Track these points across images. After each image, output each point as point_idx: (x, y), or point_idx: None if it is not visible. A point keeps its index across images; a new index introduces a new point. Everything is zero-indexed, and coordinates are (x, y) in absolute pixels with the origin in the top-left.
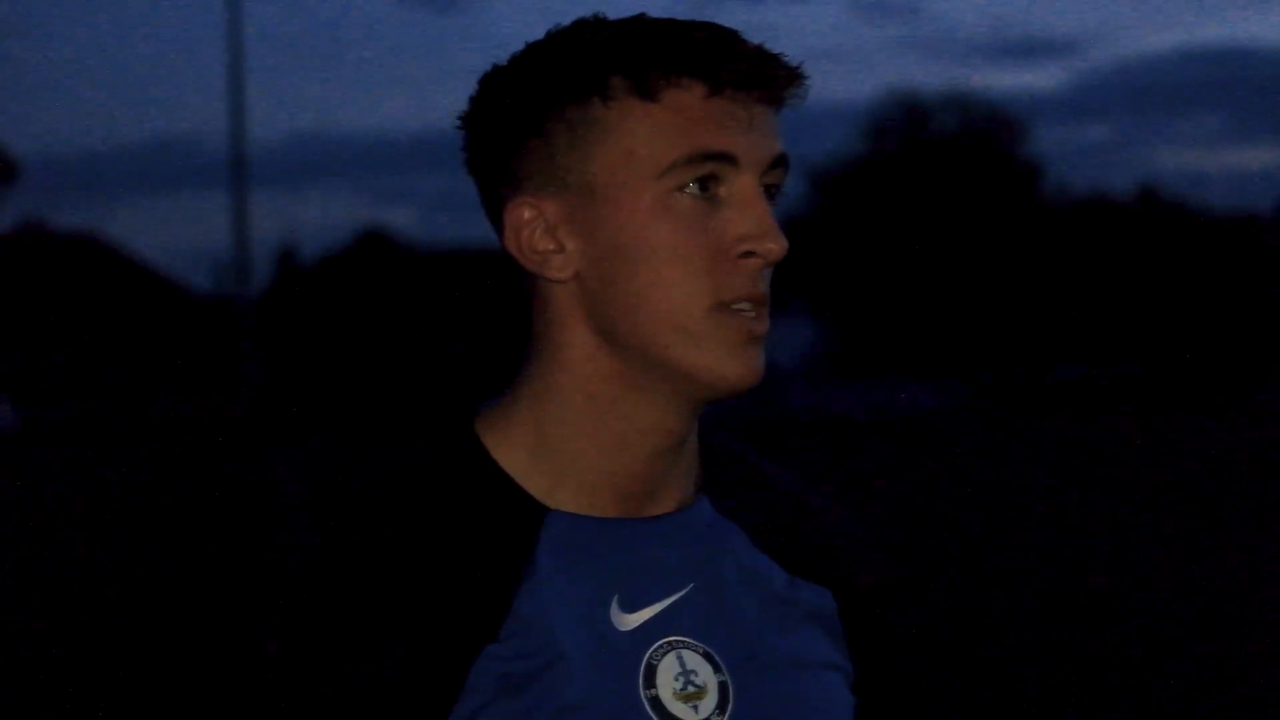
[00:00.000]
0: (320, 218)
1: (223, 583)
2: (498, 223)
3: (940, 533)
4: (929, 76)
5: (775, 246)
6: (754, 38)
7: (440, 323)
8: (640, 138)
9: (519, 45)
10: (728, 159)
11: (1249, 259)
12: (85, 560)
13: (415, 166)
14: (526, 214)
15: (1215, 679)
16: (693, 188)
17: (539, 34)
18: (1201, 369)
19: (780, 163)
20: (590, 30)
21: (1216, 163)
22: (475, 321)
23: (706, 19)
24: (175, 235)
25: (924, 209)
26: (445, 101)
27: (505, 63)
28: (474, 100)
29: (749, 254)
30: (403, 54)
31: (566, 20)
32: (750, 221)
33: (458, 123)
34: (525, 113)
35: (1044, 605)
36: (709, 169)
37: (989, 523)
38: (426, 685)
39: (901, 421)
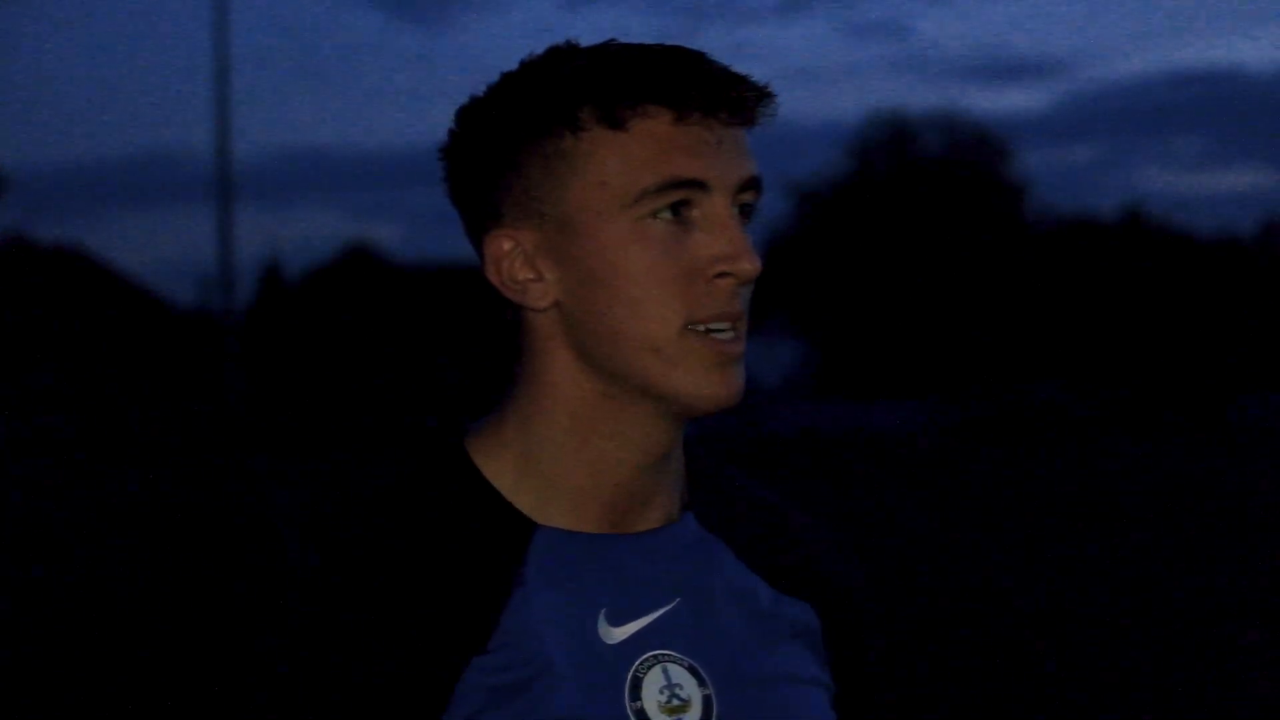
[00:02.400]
0: (305, 233)
1: (209, 597)
2: (480, 253)
3: (922, 552)
4: (915, 97)
5: (749, 266)
6: (740, 57)
7: (425, 338)
8: (611, 167)
9: (505, 63)
10: (698, 185)
11: (1233, 281)
12: (64, 573)
13: (401, 182)
14: (506, 245)
15: (1197, 694)
16: (665, 213)
17: (526, 51)
18: (1186, 390)
19: (753, 184)
20: (559, 61)
21: (1201, 185)
22: (461, 337)
23: (692, 38)
24: (160, 249)
25: (909, 229)
26: (432, 118)
27: (481, 94)
28: (452, 134)
29: (723, 274)
30: (389, 70)
31: (552, 37)
32: (723, 243)
33: (439, 155)
34: (500, 148)
35: (1025, 624)
36: (680, 195)
37: (971, 542)
38: (415, 696)
39: (885, 441)
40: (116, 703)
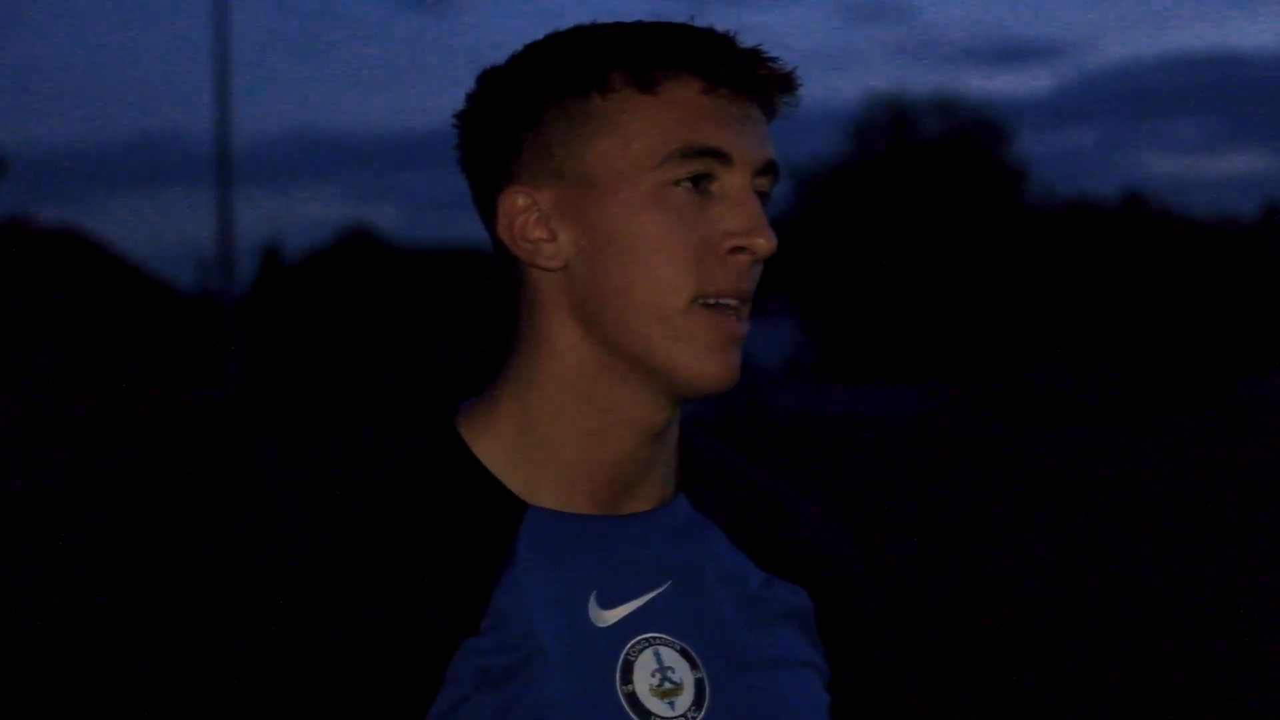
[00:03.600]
0: (305, 215)
1: (205, 579)
2: (490, 214)
3: (920, 536)
4: (916, 80)
5: (765, 242)
6: (743, 39)
7: (423, 320)
8: (636, 130)
9: (506, 45)
10: (721, 156)
11: (1234, 265)
12: (63, 555)
13: (400, 165)
14: (520, 201)
15: (1200, 680)
16: (686, 182)
17: (526, 35)
18: (1186, 374)
19: (771, 168)
20: (590, 29)
21: (1201, 168)
22: (460, 319)
23: (694, 20)
24: (160, 231)
25: (909, 212)
26: (431, 101)
27: (504, 61)
28: (472, 96)
29: (738, 250)
30: (389, 53)
31: (553, 21)
32: (741, 217)
33: (454, 120)
34: (524, 105)
35: (1024, 608)
36: (703, 164)
37: (970, 526)
38: (407, 678)
39: (884, 424)
40: (115, 688)
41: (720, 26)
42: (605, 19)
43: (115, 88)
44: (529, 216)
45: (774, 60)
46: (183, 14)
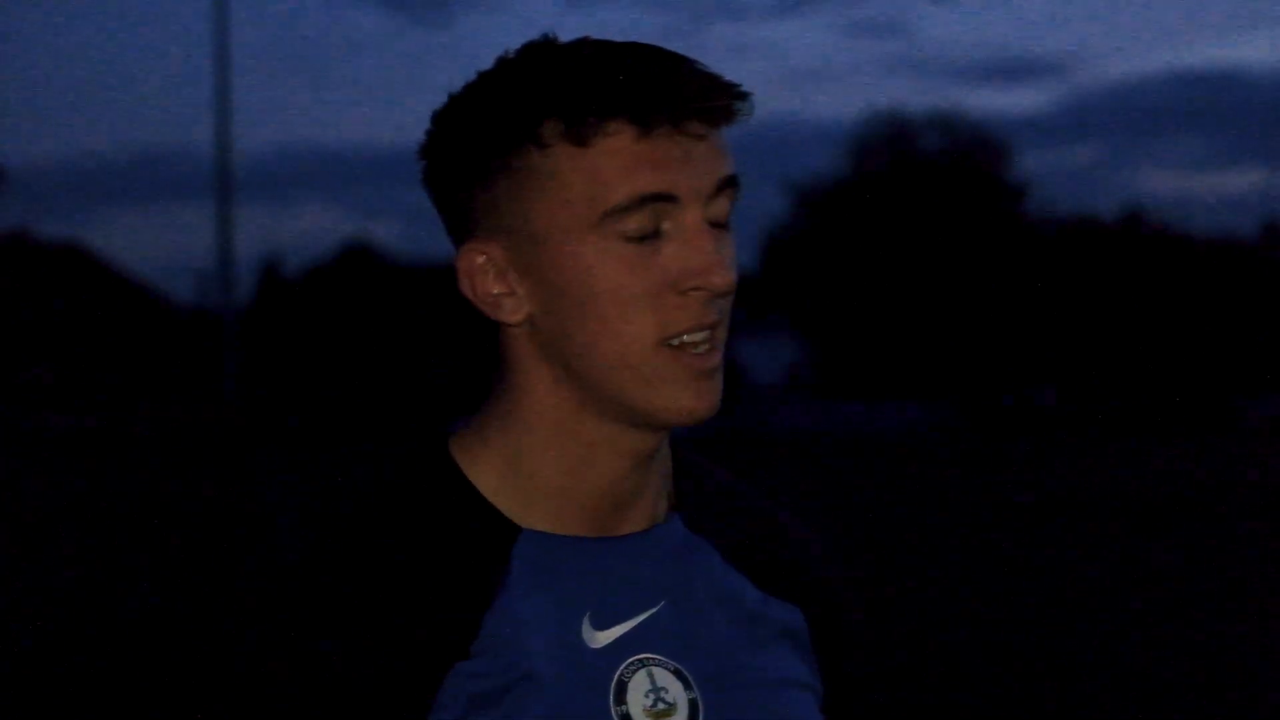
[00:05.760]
0: (304, 231)
1: (201, 592)
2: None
3: (918, 553)
4: (916, 96)
5: (719, 280)
6: (741, 56)
7: (424, 336)
8: (575, 185)
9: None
10: (666, 198)
11: (1234, 282)
12: (62, 570)
13: (400, 180)
14: (478, 259)
15: (1202, 697)
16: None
17: None
18: (1186, 392)
19: (727, 184)
20: (527, 68)
21: (1202, 186)
22: (459, 336)
23: (693, 36)
24: (160, 246)
25: (909, 229)
26: (431, 116)
27: (458, 94)
28: (429, 135)
29: (696, 288)
30: (389, 68)
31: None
32: (695, 256)
33: (417, 157)
34: (469, 161)
35: (1021, 627)
36: (648, 212)
37: (968, 544)
38: (398, 701)
39: (882, 441)
40: (111, 699)
41: (713, 42)
42: (603, 34)
43: (115, 103)
44: (487, 273)
45: (714, 85)
46: (183, 29)
